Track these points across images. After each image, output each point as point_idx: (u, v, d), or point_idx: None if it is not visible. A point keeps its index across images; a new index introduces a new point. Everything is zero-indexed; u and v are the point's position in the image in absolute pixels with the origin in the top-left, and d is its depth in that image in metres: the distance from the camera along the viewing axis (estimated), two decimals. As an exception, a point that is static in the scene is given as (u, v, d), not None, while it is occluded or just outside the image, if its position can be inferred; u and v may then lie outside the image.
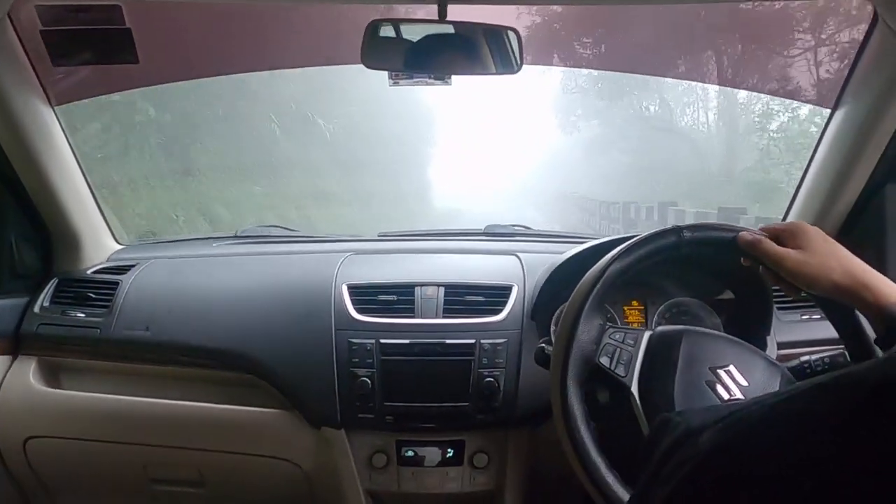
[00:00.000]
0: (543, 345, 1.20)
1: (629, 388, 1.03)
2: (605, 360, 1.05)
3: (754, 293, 1.47)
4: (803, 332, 1.50)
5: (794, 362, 1.18)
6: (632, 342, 1.07)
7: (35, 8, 1.35)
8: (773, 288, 1.45)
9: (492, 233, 2.00)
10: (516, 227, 2.08)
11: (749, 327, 1.39)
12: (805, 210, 1.65)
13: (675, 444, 0.48)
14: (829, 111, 1.53)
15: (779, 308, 1.52)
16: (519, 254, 1.69)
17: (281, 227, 2.09)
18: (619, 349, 1.06)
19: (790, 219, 1.71)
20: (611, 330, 1.07)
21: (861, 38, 1.38)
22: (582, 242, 1.72)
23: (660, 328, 1.11)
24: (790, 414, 0.43)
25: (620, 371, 1.04)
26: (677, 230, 1.08)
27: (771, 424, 0.44)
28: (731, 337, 1.11)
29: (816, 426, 0.41)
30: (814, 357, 1.17)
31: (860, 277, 0.92)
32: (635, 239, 1.09)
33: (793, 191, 1.73)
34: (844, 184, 1.53)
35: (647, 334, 1.09)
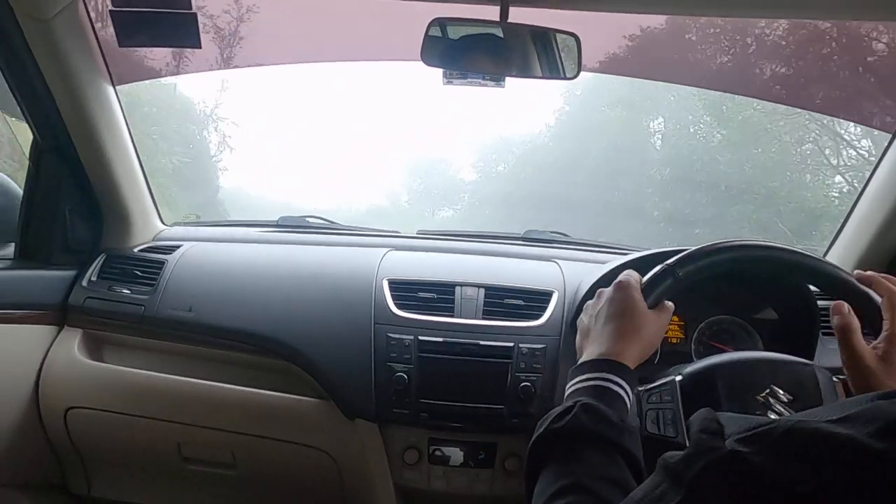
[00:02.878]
0: None
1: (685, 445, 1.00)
2: (652, 429, 1.00)
3: (799, 314, 1.44)
4: None
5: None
6: (669, 398, 1.02)
7: (106, -12, 1.38)
8: (821, 310, 1.43)
9: (531, 238, 2.00)
10: (555, 234, 2.07)
11: (790, 350, 1.36)
12: (855, 237, 1.62)
13: (704, 434, 0.53)
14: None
15: (824, 333, 1.49)
16: (558, 261, 1.69)
17: (321, 218, 2.11)
18: (659, 411, 1.01)
19: (835, 248, 1.68)
20: (645, 394, 1.03)
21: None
22: (622, 253, 1.71)
23: (687, 370, 1.06)
24: (817, 433, 0.46)
25: (670, 432, 1.00)
26: (671, 270, 1.01)
27: (795, 443, 0.47)
28: (758, 354, 1.08)
29: (839, 451, 0.44)
30: None
31: None
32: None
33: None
34: None
35: (677, 381, 1.03)
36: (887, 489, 0.42)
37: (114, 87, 1.57)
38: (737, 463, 0.48)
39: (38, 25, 1.33)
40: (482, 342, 1.44)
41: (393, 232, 2.05)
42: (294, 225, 2.01)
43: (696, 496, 0.50)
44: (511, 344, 1.44)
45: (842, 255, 1.64)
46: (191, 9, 1.42)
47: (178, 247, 1.72)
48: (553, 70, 1.45)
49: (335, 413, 1.46)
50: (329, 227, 2.05)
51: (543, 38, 1.41)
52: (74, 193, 1.65)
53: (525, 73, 1.46)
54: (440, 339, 1.44)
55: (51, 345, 1.59)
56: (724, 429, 0.52)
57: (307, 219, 2.08)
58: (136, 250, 1.73)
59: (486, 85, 1.59)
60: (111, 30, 1.45)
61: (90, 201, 1.69)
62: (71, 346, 1.58)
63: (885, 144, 1.52)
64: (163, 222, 1.89)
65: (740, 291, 1.51)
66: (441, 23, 1.37)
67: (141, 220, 1.77)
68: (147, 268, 1.65)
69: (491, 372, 1.42)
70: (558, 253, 1.82)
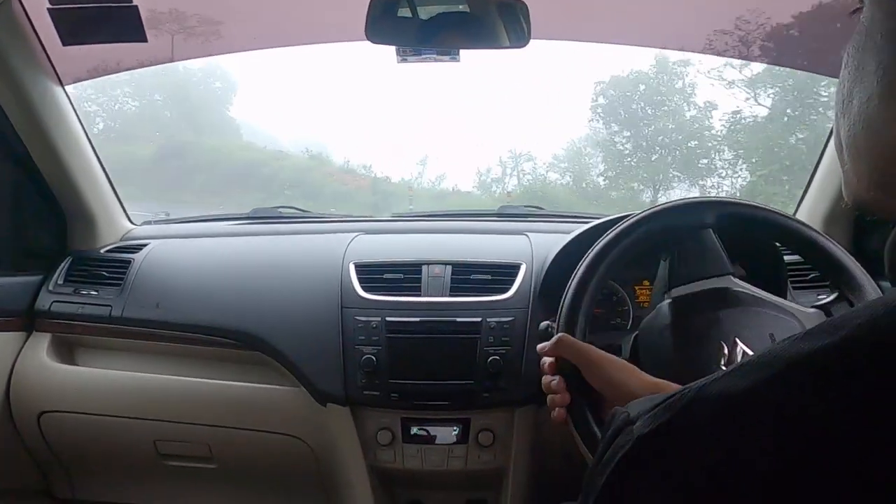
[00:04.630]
0: (548, 322, 1.19)
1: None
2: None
3: (766, 269, 1.43)
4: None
5: None
6: None
7: (42, -15, 1.36)
8: (788, 264, 1.43)
9: (504, 213, 1.99)
10: (529, 208, 2.07)
11: None
12: (821, 193, 1.60)
13: (615, 433, 0.49)
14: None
15: (794, 287, 1.49)
16: (528, 233, 1.68)
17: (294, 208, 2.10)
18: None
19: (804, 204, 1.67)
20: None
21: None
22: (585, 221, 1.70)
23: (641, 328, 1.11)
24: (713, 394, 0.44)
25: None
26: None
27: (695, 407, 0.45)
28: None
29: (734, 404, 0.43)
30: None
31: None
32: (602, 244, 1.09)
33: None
34: None
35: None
36: (797, 436, 0.40)
37: (62, 86, 1.55)
38: (646, 446, 0.46)
39: None
40: (449, 319, 1.43)
41: (365, 216, 2.04)
42: (266, 216, 2.00)
43: (612, 496, 0.47)
44: (478, 319, 1.43)
45: (810, 211, 1.63)
46: (131, 2, 1.40)
47: (144, 245, 1.71)
48: (504, 39, 1.43)
49: (307, 400, 1.46)
50: (301, 216, 2.04)
51: (492, 9, 1.39)
52: (34, 198, 1.64)
53: (475, 45, 1.44)
54: (407, 319, 1.44)
55: (20, 351, 1.58)
56: (629, 414, 0.50)
57: (279, 209, 2.07)
58: (102, 251, 1.72)
59: (440, 59, 1.57)
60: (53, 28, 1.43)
61: (51, 204, 1.67)
62: (40, 351, 1.57)
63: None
64: (131, 221, 1.88)
65: None
66: (383, -1, 1.34)
67: (105, 220, 1.76)
68: (113, 268, 1.64)
69: (459, 348, 1.42)
70: (529, 226, 1.81)
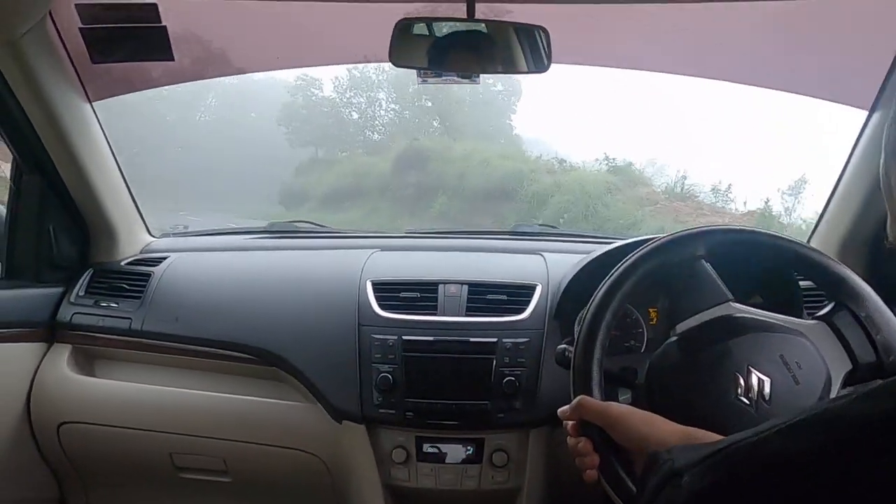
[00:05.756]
0: (565, 345, 1.20)
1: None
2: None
3: (782, 297, 1.44)
4: None
5: None
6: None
7: (75, 6, 1.39)
8: (804, 292, 1.43)
9: (518, 232, 2.01)
10: (543, 227, 2.09)
11: None
12: (837, 218, 1.61)
13: (660, 485, 0.48)
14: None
15: (809, 314, 1.49)
16: (544, 253, 1.69)
17: (311, 223, 2.12)
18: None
19: (819, 230, 1.67)
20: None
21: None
22: (609, 243, 1.71)
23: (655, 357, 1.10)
24: (769, 454, 0.43)
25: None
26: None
27: (751, 466, 0.43)
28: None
29: (795, 466, 0.41)
30: None
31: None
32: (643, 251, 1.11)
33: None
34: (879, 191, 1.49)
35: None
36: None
37: (90, 103, 1.58)
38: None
39: (6, 47, 1.33)
40: (465, 339, 1.44)
41: (381, 232, 2.06)
42: (283, 230, 2.03)
43: None
44: (494, 339, 1.44)
45: (824, 238, 1.64)
46: (160, 22, 1.43)
47: (164, 258, 1.73)
48: (523, 64, 1.45)
49: (323, 416, 1.47)
50: (318, 231, 2.06)
51: (512, 34, 1.41)
52: (58, 211, 1.66)
53: (495, 68, 1.46)
54: (424, 338, 1.45)
55: (40, 361, 1.60)
56: (674, 463, 0.49)
57: (296, 224, 2.10)
58: (123, 264, 1.74)
59: (460, 82, 1.60)
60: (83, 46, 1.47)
61: (75, 217, 1.70)
62: (61, 362, 1.59)
63: (862, 122, 1.51)
64: (151, 234, 1.90)
65: (723, 276, 1.51)
66: (407, 24, 1.37)
67: (127, 233, 1.78)
68: (134, 281, 1.66)
69: (475, 368, 1.43)
70: (545, 245, 1.82)
